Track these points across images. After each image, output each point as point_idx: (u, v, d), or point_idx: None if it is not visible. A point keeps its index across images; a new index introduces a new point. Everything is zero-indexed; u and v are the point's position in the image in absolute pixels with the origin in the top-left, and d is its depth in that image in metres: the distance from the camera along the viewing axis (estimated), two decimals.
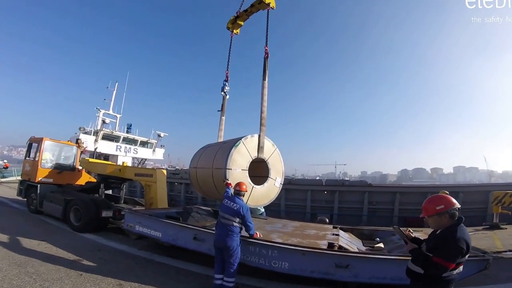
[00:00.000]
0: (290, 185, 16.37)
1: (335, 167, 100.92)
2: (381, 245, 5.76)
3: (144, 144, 25.02)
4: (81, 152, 11.54)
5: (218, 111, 8.61)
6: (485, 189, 14.26)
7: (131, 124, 24.36)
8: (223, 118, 8.53)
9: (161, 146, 27.25)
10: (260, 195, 6.55)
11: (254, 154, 6.50)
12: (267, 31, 6.94)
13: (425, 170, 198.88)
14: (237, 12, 8.08)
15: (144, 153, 24.85)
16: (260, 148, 6.57)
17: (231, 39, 8.47)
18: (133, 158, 23.95)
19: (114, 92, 24.28)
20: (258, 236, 4.69)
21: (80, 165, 11.05)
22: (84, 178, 11.17)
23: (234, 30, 8.45)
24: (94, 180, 11.31)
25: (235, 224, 4.32)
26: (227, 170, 6.01)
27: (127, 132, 23.66)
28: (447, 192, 9.34)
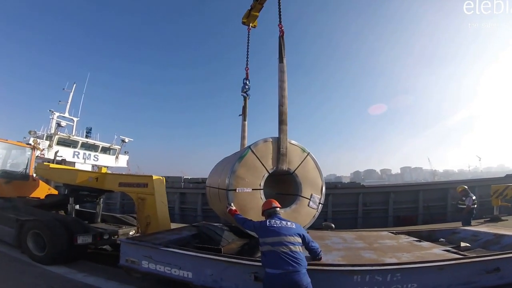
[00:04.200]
0: None
1: None
2: (466, 244, 5.02)
3: (105, 150, 22.70)
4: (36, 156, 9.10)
5: (239, 115, 7.59)
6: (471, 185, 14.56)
7: (91, 128, 22.00)
8: (246, 123, 7.48)
9: (125, 152, 25.05)
10: None
11: (272, 165, 4.81)
12: (279, 9, 5.88)
13: (375, 171, 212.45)
14: (251, 5, 7.46)
15: (105, 160, 22.55)
16: (281, 156, 4.80)
17: (248, 34, 7.85)
18: (93, 166, 21.31)
19: (71, 94, 21.94)
20: None
21: (36, 173, 8.52)
22: (42, 190, 8.59)
23: (250, 24, 7.83)
24: (55, 191, 8.99)
25: (301, 249, 3.17)
26: (229, 191, 4.48)
27: (87, 136, 21.16)
28: (465, 186, 9.22)
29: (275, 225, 3.25)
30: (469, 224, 8.25)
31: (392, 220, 14.09)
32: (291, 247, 3.06)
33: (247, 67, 7.71)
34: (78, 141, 19.64)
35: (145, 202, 5.93)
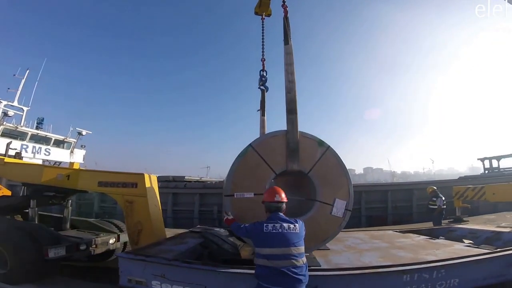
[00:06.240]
0: None
1: None
2: (469, 240, 5.31)
3: (59, 143, 20.46)
4: None
5: (258, 110, 7.10)
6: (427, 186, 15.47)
7: (43, 119, 19.80)
8: (264, 118, 6.92)
9: (82, 146, 22.87)
10: None
11: (280, 165, 4.06)
12: None
13: None
14: None
15: (58, 154, 20.33)
16: (291, 151, 4.03)
17: (263, 24, 7.39)
18: (44, 161, 19.02)
19: (23, 80, 19.59)
20: None
21: None
22: None
23: (264, 13, 7.39)
24: (8, 192, 7.62)
25: (305, 261, 2.61)
26: (226, 197, 3.91)
27: (37, 128, 18.87)
28: (435, 187, 9.75)
29: (274, 231, 2.59)
30: (440, 224, 8.71)
31: (365, 220, 14.55)
32: (294, 261, 2.50)
33: (263, 58, 7.16)
34: (27, 133, 17.45)
35: (134, 205, 5.08)
